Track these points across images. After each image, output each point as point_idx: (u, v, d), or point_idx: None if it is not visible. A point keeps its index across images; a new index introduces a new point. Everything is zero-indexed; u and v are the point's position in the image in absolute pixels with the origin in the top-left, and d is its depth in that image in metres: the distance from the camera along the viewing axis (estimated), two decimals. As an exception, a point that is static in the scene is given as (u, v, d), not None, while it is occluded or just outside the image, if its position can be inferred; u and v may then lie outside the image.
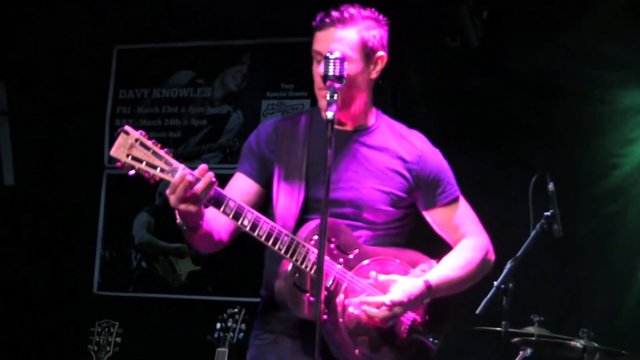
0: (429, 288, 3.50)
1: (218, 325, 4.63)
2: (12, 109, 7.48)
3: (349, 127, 3.68)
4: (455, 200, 3.76)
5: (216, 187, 3.30)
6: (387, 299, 3.41)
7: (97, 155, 7.36)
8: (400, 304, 3.42)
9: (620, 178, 6.28)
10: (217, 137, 7.19)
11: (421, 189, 3.70)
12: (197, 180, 3.23)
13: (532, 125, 6.43)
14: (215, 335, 4.61)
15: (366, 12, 3.63)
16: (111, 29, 7.39)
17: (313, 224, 3.46)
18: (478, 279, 3.76)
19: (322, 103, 3.55)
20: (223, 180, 7.30)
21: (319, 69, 3.52)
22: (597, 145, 6.33)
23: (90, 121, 7.45)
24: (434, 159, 3.75)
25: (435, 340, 3.59)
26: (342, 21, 3.56)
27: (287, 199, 3.58)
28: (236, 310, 4.64)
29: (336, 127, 3.50)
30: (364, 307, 3.44)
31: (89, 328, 5.04)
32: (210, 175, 3.27)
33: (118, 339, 5.01)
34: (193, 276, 7.06)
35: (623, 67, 6.27)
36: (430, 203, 3.73)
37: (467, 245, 3.74)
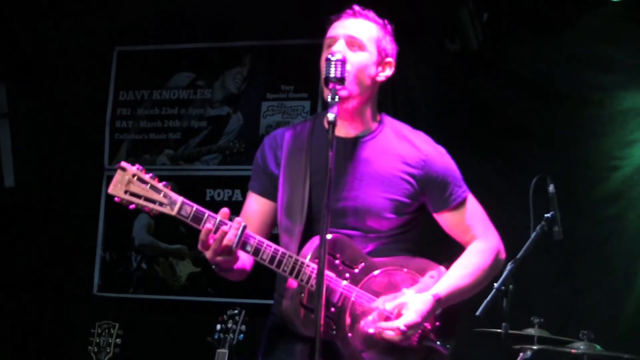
0: (438, 301, 3.50)
1: (218, 327, 4.64)
2: (12, 110, 7.47)
3: (352, 133, 3.66)
4: (464, 201, 3.74)
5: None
6: (401, 323, 3.41)
7: (98, 157, 7.36)
8: (415, 325, 3.43)
9: (620, 180, 6.28)
10: (217, 138, 7.19)
11: (428, 193, 3.68)
12: (222, 231, 3.26)
13: (532, 128, 6.44)
14: (215, 337, 4.61)
15: (384, 21, 3.74)
16: (111, 31, 7.39)
17: (317, 240, 3.42)
18: (489, 281, 3.77)
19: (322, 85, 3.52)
20: (225, 181, 7.33)
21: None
22: (597, 147, 6.33)
23: (90, 123, 7.45)
24: (440, 161, 3.72)
25: (447, 345, 3.59)
26: (365, 16, 3.67)
27: (291, 211, 3.57)
28: (236, 311, 4.64)
29: (339, 135, 3.54)
30: (380, 331, 3.45)
31: (89, 329, 5.04)
32: (240, 221, 3.30)
33: (118, 340, 5.01)
34: (193, 278, 7.06)
35: (622, 69, 6.27)
36: (439, 206, 3.72)
37: (476, 249, 3.72)
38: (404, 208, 3.64)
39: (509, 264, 4.23)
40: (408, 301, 3.46)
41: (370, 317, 3.47)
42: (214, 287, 6.94)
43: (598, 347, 4.92)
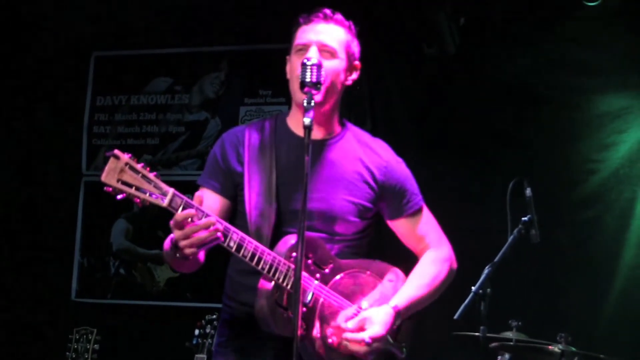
0: (398, 313, 3.57)
1: (196, 332, 4.63)
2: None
3: (318, 135, 3.68)
4: (420, 210, 3.83)
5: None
6: (367, 335, 3.45)
7: (75, 162, 7.33)
8: (380, 338, 3.48)
9: (597, 183, 6.30)
10: (195, 143, 7.18)
11: (387, 199, 3.76)
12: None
13: (509, 131, 6.45)
14: (194, 342, 4.61)
15: (350, 23, 3.74)
16: (89, 36, 7.37)
17: (292, 239, 3.47)
18: (444, 290, 3.83)
19: (296, 89, 3.52)
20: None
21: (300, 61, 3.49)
22: (574, 151, 6.36)
23: (68, 128, 7.42)
24: (399, 169, 3.80)
25: (404, 349, 3.64)
26: (332, 19, 3.68)
27: (261, 211, 3.58)
28: (214, 316, 4.64)
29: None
30: (345, 343, 3.47)
31: (66, 335, 5.01)
32: (216, 225, 3.24)
33: (96, 346, 4.99)
34: (171, 283, 7.05)
35: (599, 73, 6.30)
36: (396, 213, 3.80)
37: (432, 259, 3.81)
38: (366, 212, 3.70)
39: (487, 267, 4.24)
40: (371, 315, 3.51)
41: (336, 323, 3.50)
42: (193, 293, 6.93)
43: (574, 349, 4.94)
